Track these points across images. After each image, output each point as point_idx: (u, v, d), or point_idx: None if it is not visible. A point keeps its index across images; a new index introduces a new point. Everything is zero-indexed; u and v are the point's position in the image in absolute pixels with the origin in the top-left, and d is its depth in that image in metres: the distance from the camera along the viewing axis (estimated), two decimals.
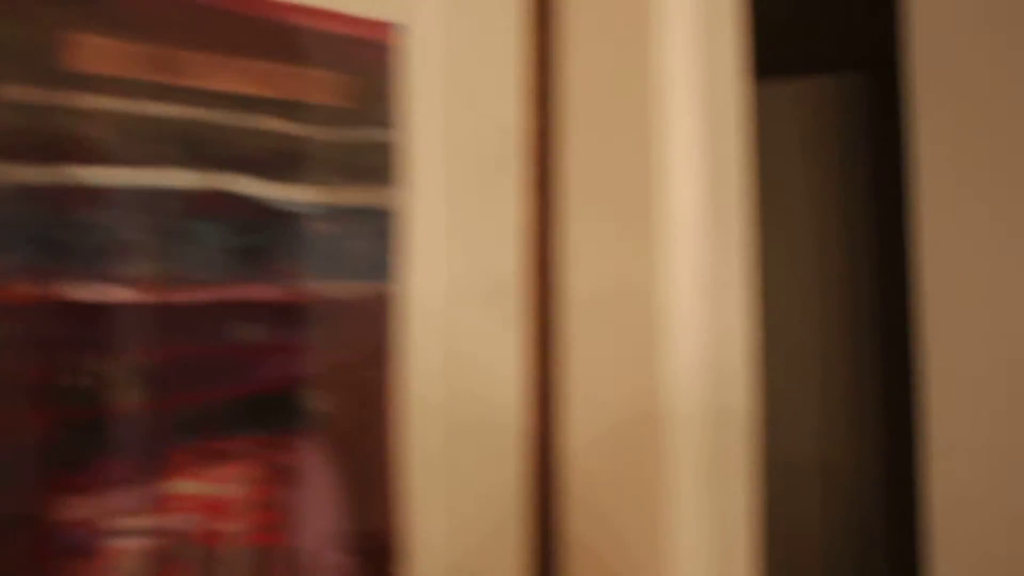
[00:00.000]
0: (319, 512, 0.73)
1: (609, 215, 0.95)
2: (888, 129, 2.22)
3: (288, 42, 0.71)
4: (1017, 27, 1.72)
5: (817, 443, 2.82)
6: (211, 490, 0.69)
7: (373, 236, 0.75)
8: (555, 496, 0.86)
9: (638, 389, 0.96)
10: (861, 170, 2.74)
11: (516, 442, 0.82)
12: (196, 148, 0.68)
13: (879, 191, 2.70)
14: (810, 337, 2.84)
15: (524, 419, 0.83)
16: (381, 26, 0.76)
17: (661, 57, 1.00)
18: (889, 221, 2.48)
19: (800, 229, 2.87)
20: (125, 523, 0.66)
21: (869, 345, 2.80)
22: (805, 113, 2.83)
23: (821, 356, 2.82)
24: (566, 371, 0.88)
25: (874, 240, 2.67)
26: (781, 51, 2.85)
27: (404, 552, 0.76)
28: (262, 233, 0.71)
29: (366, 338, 0.75)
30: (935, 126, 1.81)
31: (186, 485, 0.68)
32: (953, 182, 1.79)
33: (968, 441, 1.74)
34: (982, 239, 1.76)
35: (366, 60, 0.75)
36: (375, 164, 0.76)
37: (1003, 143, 1.74)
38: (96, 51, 0.65)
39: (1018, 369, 1.71)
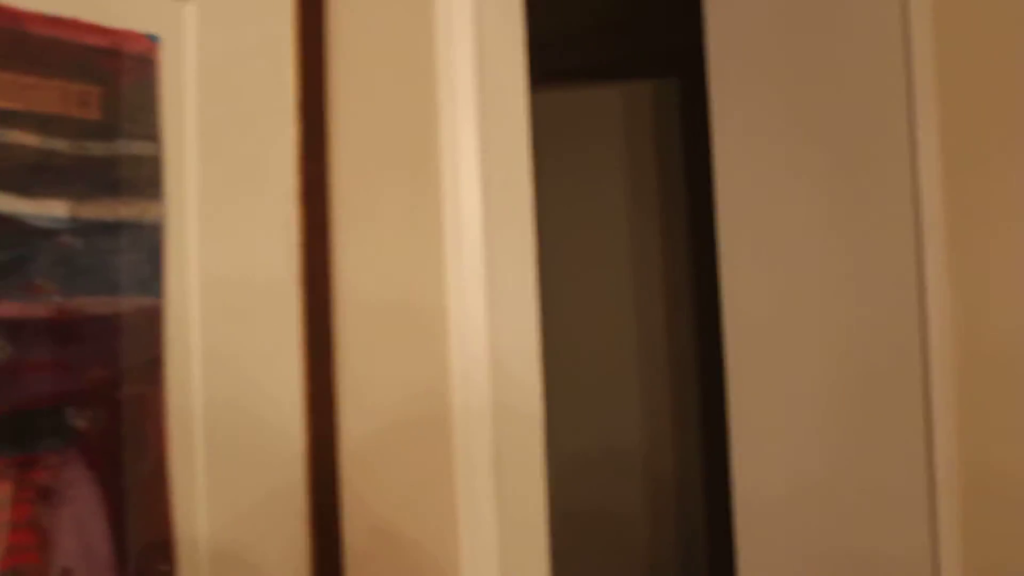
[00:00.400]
0: (81, 529, 0.72)
1: (387, 218, 0.96)
2: (701, 128, 2.30)
3: (31, 52, 0.70)
4: (803, 36, 1.81)
5: (641, 438, 2.89)
6: None
7: (132, 250, 0.74)
8: (338, 496, 0.87)
9: (420, 392, 0.97)
10: (675, 168, 2.82)
11: (292, 446, 0.83)
12: None
13: (692, 187, 2.79)
14: (633, 335, 2.91)
15: (301, 424, 0.83)
16: (134, 37, 0.75)
17: (439, 63, 1.02)
18: (703, 221, 2.56)
19: (619, 228, 2.94)
20: None
21: (688, 343, 2.89)
22: (626, 113, 2.91)
23: (643, 354, 2.90)
24: (347, 375, 0.89)
25: (691, 243, 2.75)
26: (608, 56, 2.91)
27: (176, 555, 0.75)
28: (10, 249, 0.69)
29: (128, 352, 0.74)
30: (732, 126, 1.89)
31: None
32: (749, 182, 1.87)
33: (768, 442, 1.82)
34: (776, 244, 1.85)
35: (118, 72, 0.74)
36: (131, 177, 0.74)
37: (794, 143, 1.82)
38: None
39: (812, 371, 1.80)
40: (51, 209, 0.71)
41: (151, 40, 0.76)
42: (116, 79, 0.74)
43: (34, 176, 0.70)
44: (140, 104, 0.75)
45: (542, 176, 2.91)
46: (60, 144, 0.71)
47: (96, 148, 0.73)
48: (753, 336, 1.83)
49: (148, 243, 0.75)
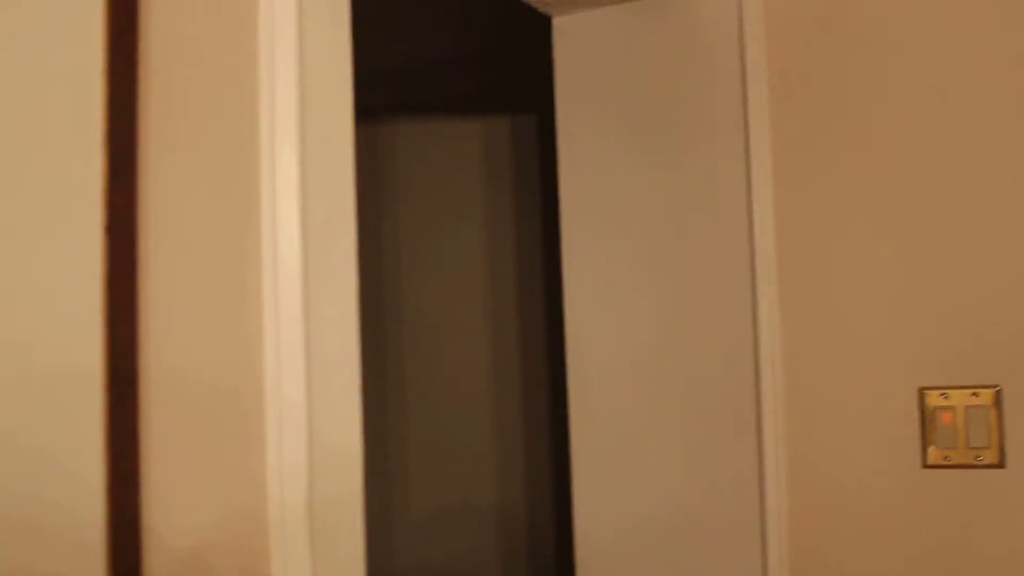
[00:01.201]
0: None
1: (201, 304, 0.92)
2: (554, 163, 2.30)
3: None
4: (647, 73, 1.83)
5: (496, 488, 2.88)
6: None
7: None
8: None
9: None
10: (531, 203, 2.83)
11: (92, 542, 0.77)
12: None
13: (548, 224, 2.80)
14: (488, 379, 2.90)
15: (103, 517, 0.78)
16: None
17: (261, 110, 0.99)
18: (557, 260, 2.56)
19: (475, 267, 2.94)
20: None
21: (541, 386, 2.90)
22: (485, 146, 2.91)
23: (498, 397, 2.89)
24: (155, 465, 0.84)
25: (545, 284, 2.75)
26: (469, 89, 2.91)
27: None
28: None
29: None
30: (578, 160, 1.90)
31: None
32: (592, 218, 1.88)
33: (606, 482, 1.83)
34: (616, 285, 1.87)
35: None
36: None
37: (637, 179, 1.84)
38: None
39: (649, 411, 1.82)
40: None
41: None
42: None
43: None
44: None
45: (400, 207, 2.89)
46: None
47: None
48: (593, 377, 1.84)
49: None
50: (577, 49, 1.88)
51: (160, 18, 0.89)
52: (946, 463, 1.65)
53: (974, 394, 1.64)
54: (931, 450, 1.66)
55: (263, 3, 0.98)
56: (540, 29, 1.95)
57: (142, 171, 0.86)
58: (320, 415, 0.97)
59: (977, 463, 1.64)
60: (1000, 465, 1.63)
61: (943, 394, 1.65)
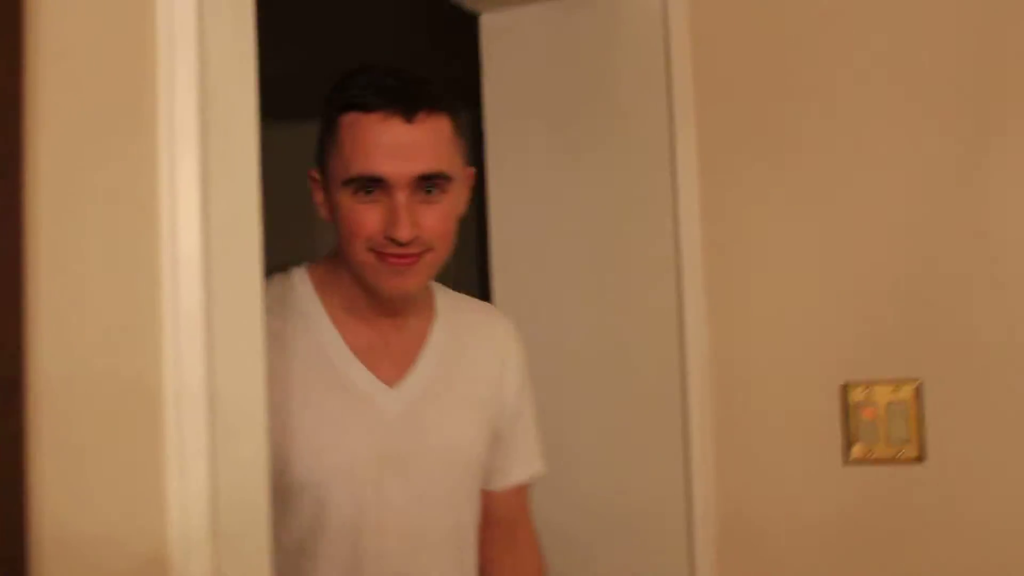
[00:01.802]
0: None
1: (95, 306, 0.90)
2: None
3: None
4: (573, 74, 1.83)
5: None
6: None
7: None
8: None
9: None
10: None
11: None
12: None
13: (480, 225, 2.79)
14: None
15: None
16: None
17: (160, 108, 0.96)
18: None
19: None
20: None
21: None
22: None
23: None
24: (45, 473, 0.82)
25: (479, 281, 2.73)
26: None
27: None
28: None
29: None
30: (505, 159, 1.89)
31: None
32: (520, 215, 1.87)
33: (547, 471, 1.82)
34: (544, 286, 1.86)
35: None
36: None
37: (564, 177, 1.84)
38: None
39: (577, 407, 1.81)
40: None
41: None
42: None
43: None
44: None
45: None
46: None
47: None
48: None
49: None
50: (504, 47, 1.87)
51: (51, 10, 0.87)
52: (868, 458, 1.66)
53: (895, 389, 1.65)
54: (854, 446, 1.67)
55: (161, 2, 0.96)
56: (471, 27, 1.93)
57: (29, 166, 0.83)
58: (224, 419, 0.95)
59: (898, 458, 1.65)
60: (920, 459, 1.65)
61: (865, 389, 1.67)
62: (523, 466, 1.52)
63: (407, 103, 1.26)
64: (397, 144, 1.26)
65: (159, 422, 0.92)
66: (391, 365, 1.37)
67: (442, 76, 2.45)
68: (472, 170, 1.41)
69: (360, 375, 1.35)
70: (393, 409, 1.35)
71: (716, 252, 1.76)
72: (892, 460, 1.66)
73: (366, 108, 1.27)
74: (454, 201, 1.33)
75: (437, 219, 1.28)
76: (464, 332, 1.46)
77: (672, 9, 1.75)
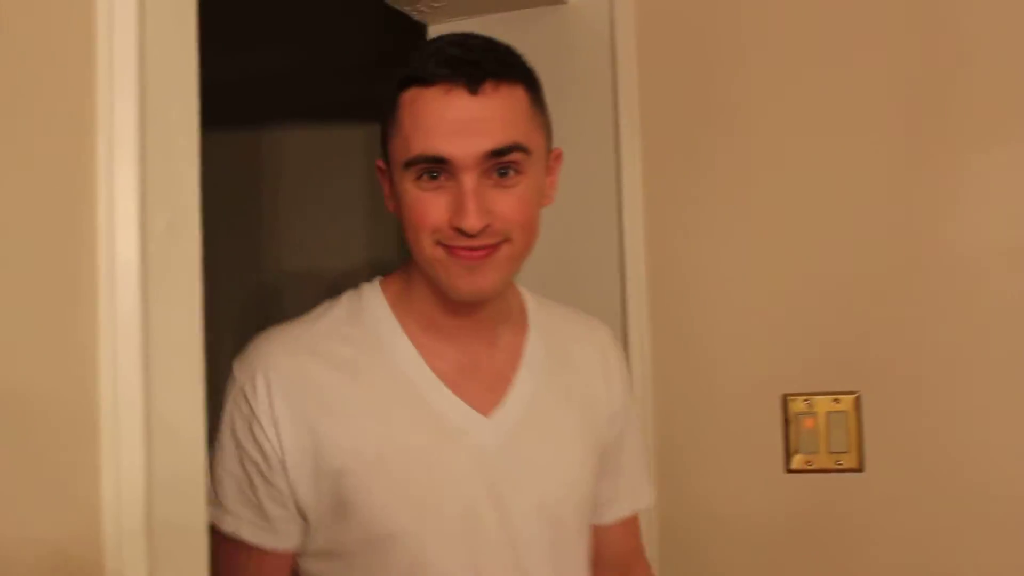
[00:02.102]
0: None
1: (25, 315, 0.88)
2: None
3: None
4: None
5: None
6: None
7: None
8: None
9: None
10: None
11: None
12: None
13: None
14: None
15: None
16: None
17: (99, 102, 0.95)
18: None
19: (359, 276, 2.90)
20: None
21: None
22: (368, 154, 2.88)
23: None
24: None
25: None
26: (358, 96, 2.87)
27: None
28: None
29: None
30: None
31: None
32: None
33: None
34: None
35: None
36: None
37: None
38: None
39: None
40: None
41: None
42: None
43: None
44: None
45: (282, 213, 2.84)
46: None
47: None
48: None
49: None
50: None
51: None
52: (808, 468, 1.68)
53: (835, 400, 1.67)
54: (795, 456, 1.69)
55: (100, 4, 0.94)
56: (419, 37, 1.93)
57: None
58: (160, 431, 0.93)
59: (838, 467, 1.67)
60: (859, 469, 1.67)
61: (806, 400, 1.69)
62: (633, 496, 1.39)
63: (471, 73, 1.10)
64: (461, 119, 1.09)
65: (94, 433, 0.90)
66: (484, 390, 1.21)
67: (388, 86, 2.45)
68: (560, 151, 1.25)
69: (450, 404, 1.18)
70: (490, 442, 1.18)
71: (659, 264, 1.78)
72: (832, 469, 1.68)
73: (426, 81, 1.11)
74: (534, 184, 1.15)
75: (513, 205, 1.12)
76: (562, 345, 1.30)
77: (618, 23, 1.76)
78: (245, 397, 1.18)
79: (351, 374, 1.17)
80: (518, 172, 1.12)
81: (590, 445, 1.28)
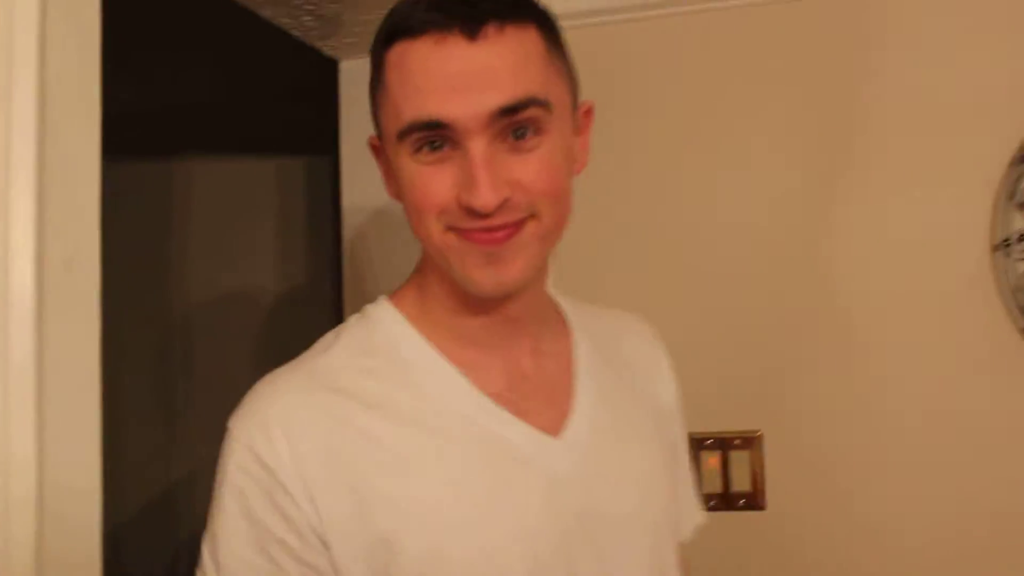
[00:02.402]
0: None
1: None
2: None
3: None
4: None
5: None
6: None
7: None
8: None
9: None
10: (326, 246, 2.79)
11: None
12: None
13: (324, 264, 2.76)
14: None
15: None
16: None
17: None
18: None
19: (268, 320, 2.86)
20: None
21: None
22: (279, 187, 2.85)
23: None
24: None
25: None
26: (270, 130, 2.85)
27: None
28: None
29: None
30: (360, 203, 1.88)
31: None
32: (373, 267, 1.87)
33: None
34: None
35: None
36: None
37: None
38: None
39: None
40: None
41: None
42: None
43: None
44: None
45: (192, 246, 2.79)
46: None
47: None
48: None
49: None
50: (361, 92, 1.87)
51: None
52: (712, 507, 1.70)
53: (738, 440, 1.70)
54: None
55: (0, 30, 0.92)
56: (331, 72, 1.93)
57: None
58: (53, 476, 0.90)
59: (740, 506, 1.69)
60: (761, 507, 1.69)
61: (710, 440, 1.71)
62: (691, 512, 1.23)
63: (468, 14, 0.89)
64: (460, 72, 0.88)
65: None
66: (545, 405, 1.00)
67: (300, 120, 2.44)
68: (591, 104, 1.03)
69: (511, 427, 0.96)
70: (563, 466, 0.97)
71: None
72: (735, 508, 1.70)
73: (413, 31, 0.90)
74: (560, 145, 0.94)
75: (535, 170, 0.91)
76: (610, 343, 1.13)
77: None
78: (258, 458, 0.90)
79: (386, 411, 0.94)
80: (538, 131, 0.91)
81: (664, 446, 1.11)
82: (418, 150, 0.91)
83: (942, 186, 1.65)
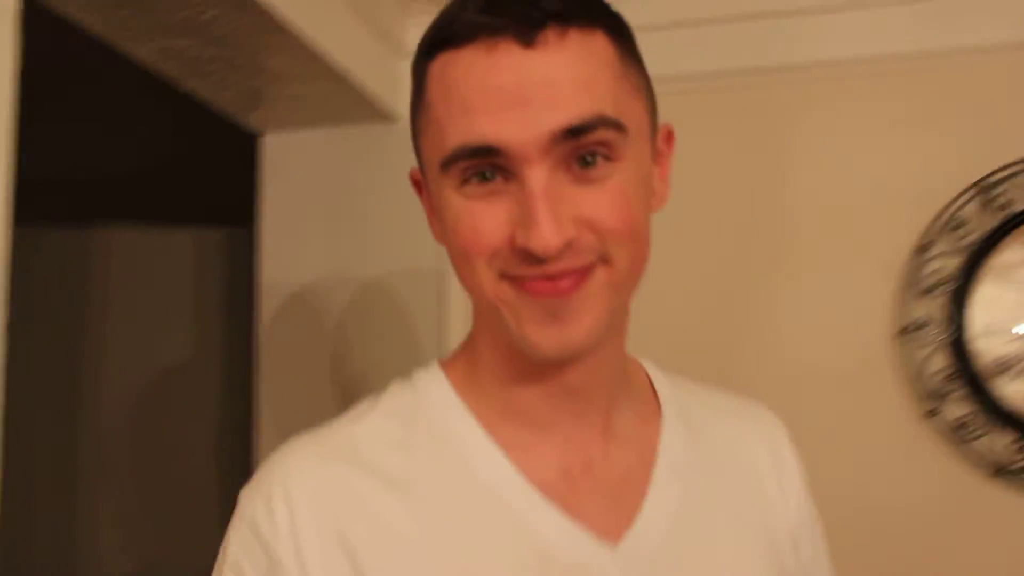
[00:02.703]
0: None
1: None
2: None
3: None
4: (345, 199, 1.86)
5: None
6: None
7: None
8: None
9: None
10: (240, 314, 2.76)
11: None
12: None
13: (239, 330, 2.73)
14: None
15: None
16: None
17: None
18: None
19: (183, 388, 2.81)
20: None
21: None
22: (196, 258, 2.83)
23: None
24: None
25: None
26: (187, 201, 2.83)
27: None
28: None
29: None
30: (279, 278, 1.88)
31: None
32: (290, 339, 1.86)
33: None
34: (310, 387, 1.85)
35: None
36: None
37: (336, 295, 1.85)
38: None
39: None
40: None
41: None
42: None
43: None
44: None
45: (109, 315, 2.74)
46: None
47: None
48: None
49: None
50: (283, 166, 1.88)
51: None
52: None
53: None
54: None
55: None
56: (252, 146, 1.94)
57: None
58: None
59: None
60: None
61: None
62: None
63: (524, 15, 0.73)
64: (513, 86, 0.73)
65: None
66: (605, 505, 0.82)
67: (219, 193, 2.44)
68: (670, 128, 0.87)
69: (557, 527, 0.79)
70: None
71: None
72: None
73: (459, 39, 0.75)
74: (636, 174, 0.78)
75: (607, 204, 0.75)
76: (712, 436, 0.91)
77: None
78: (257, 532, 0.79)
79: (410, 492, 0.80)
80: (610, 158, 0.76)
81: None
82: (465, 182, 0.76)
83: (850, 274, 1.70)
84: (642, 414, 0.89)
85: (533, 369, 0.82)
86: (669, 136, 0.87)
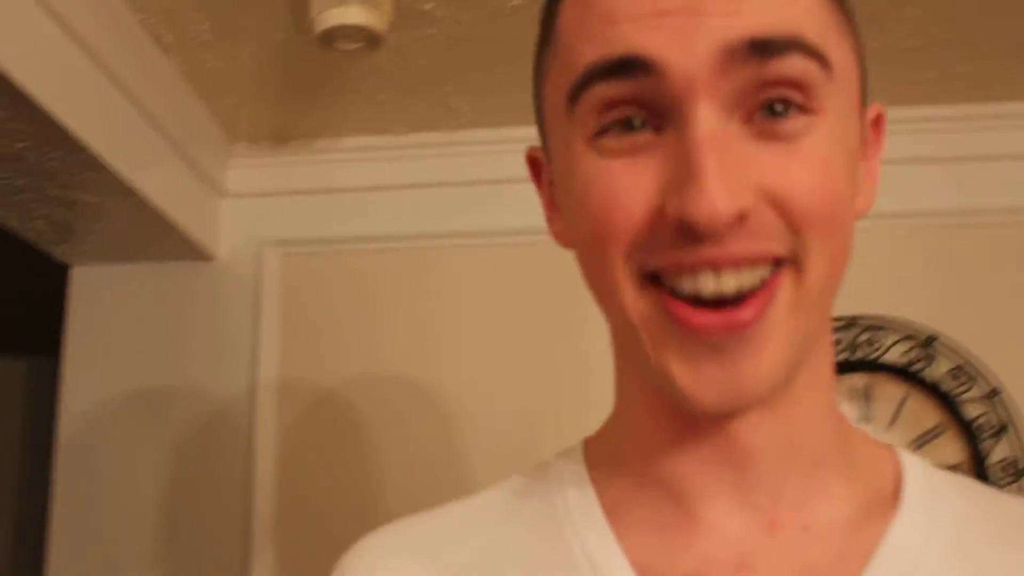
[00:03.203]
0: None
1: None
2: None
3: None
4: (158, 332, 1.85)
5: None
6: None
7: None
8: None
9: None
10: (43, 446, 2.66)
11: None
12: None
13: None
14: None
15: None
16: None
17: None
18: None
19: None
20: None
21: None
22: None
23: None
24: None
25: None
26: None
27: None
28: None
29: None
30: (79, 412, 1.84)
31: None
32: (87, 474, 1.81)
33: None
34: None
35: None
36: None
37: (141, 432, 1.82)
38: None
39: None
40: None
41: None
42: None
43: None
44: None
45: None
46: None
47: None
48: None
49: None
50: (92, 299, 1.86)
51: None
52: None
53: None
54: None
55: None
56: (61, 276, 1.91)
57: None
58: None
59: None
60: None
61: None
62: None
63: None
64: None
65: None
66: None
67: (27, 321, 2.37)
68: (880, 110, 0.62)
69: None
70: None
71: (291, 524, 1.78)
72: None
73: None
74: (840, 133, 0.54)
75: (802, 171, 0.52)
76: (996, 548, 0.57)
77: (265, 278, 1.82)
78: None
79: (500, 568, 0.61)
80: (807, 109, 0.53)
81: None
82: (602, 132, 0.54)
83: None
84: (863, 503, 0.60)
85: (679, 423, 0.59)
86: (879, 121, 0.63)
